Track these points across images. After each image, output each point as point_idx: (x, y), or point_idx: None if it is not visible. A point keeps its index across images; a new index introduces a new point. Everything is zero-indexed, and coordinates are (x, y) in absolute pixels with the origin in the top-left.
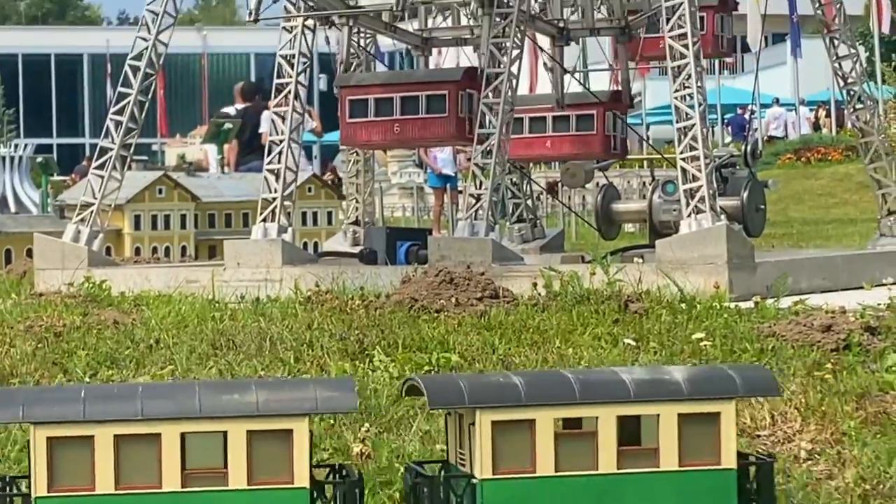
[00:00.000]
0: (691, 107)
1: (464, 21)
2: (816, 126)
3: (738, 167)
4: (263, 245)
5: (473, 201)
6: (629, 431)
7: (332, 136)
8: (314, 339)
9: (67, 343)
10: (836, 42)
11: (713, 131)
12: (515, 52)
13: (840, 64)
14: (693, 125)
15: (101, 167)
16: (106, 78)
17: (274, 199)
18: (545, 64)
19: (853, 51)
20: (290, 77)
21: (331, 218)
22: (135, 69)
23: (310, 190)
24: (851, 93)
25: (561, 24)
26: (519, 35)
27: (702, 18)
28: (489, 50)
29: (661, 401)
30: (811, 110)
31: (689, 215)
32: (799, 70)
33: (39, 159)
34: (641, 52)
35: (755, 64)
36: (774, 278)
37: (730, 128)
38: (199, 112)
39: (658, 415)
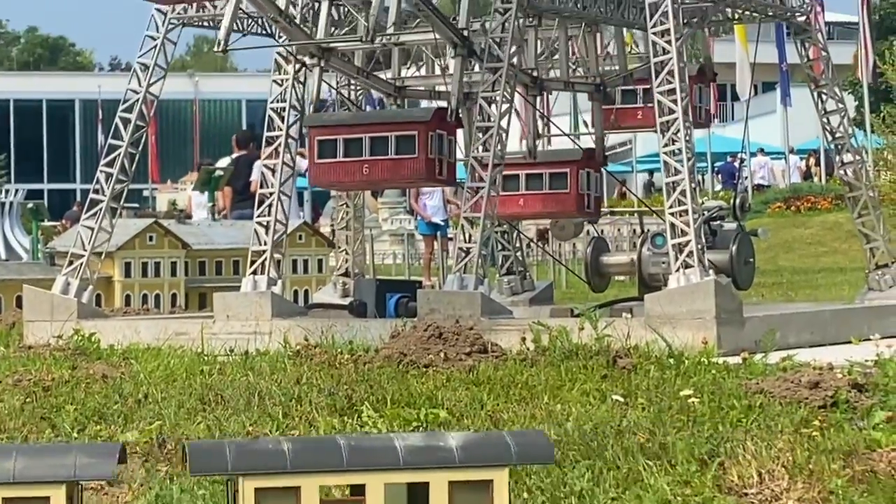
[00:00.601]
0: (679, 161)
1: (437, 70)
2: (807, 174)
3: (726, 220)
4: (253, 298)
5: (463, 254)
6: (400, 499)
7: None
8: (303, 394)
9: (56, 398)
10: (823, 97)
11: (703, 179)
12: (505, 106)
13: (828, 119)
14: (682, 180)
15: (91, 218)
16: (97, 123)
17: (264, 251)
18: (516, 111)
19: (841, 105)
20: (281, 130)
21: (321, 266)
22: (125, 121)
23: (300, 238)
24: (839, 147)
25: (535, 74)
26: (508, 89)
27: None
28: (479, 104)
29: (432, 468)
30: (801, 159)
31: (677, 270)
32: (789, 118)
33: (30, 205)
34: (618, 122)
35: (745, 112)
36: (763, 333)
37: (720, 175)
38: (191, 158)
39: (428, 482)
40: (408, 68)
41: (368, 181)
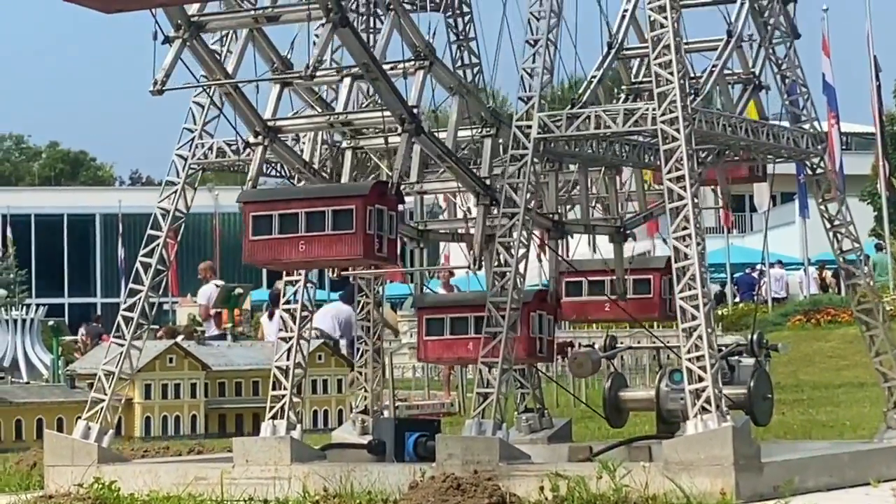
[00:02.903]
0: (696, 306)
1: (459, 214)
2: (824, 286)
3: (744, 355)
4: (272, 443)
5: (481, 399)
6: None
7: None
8: None
9: None
10: (822, 186)
11: (722, 291)
12: (522, 251)
13: (826, 207)
14: (697, 325)
15: (126, 318)
16: (118, 237)
17: (283, 396)
18: (538, 256)
19: (840, 194)
20: (300, 275)
21: (341, 386)
22: (146, 266)
23: (320, 358)
24: (839, 235)
25: (556, 218)
26: (525, 234)
27: (647, 281)
28: (496, 248)
29: None
30: (816, 269)
31: (695, 416)
32: (808, 230)
33: (51, 322)
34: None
35: (764, 225)
36: (782, 479)
37: (738, 287)
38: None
39: None
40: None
41: (305, 259)
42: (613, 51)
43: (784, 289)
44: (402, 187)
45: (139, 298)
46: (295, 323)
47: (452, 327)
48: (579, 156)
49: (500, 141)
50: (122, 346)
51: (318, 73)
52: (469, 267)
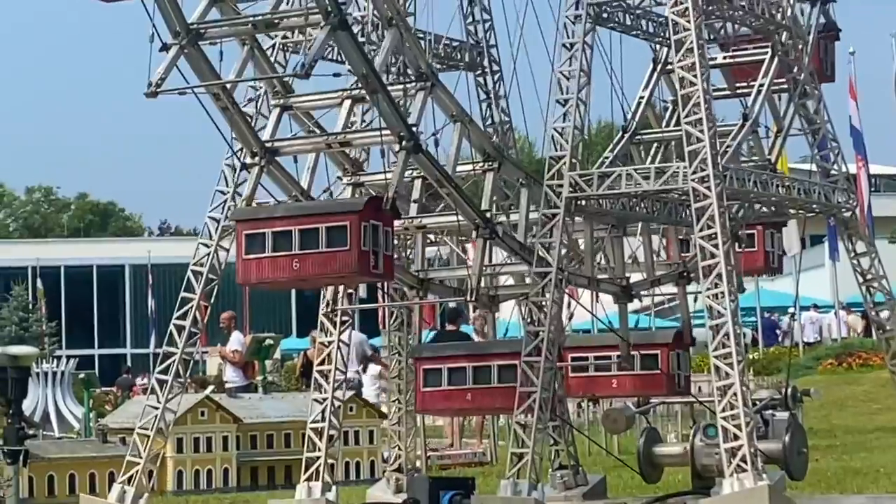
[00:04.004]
0: (730, 364)
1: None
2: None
3: (778, 409)
4: None
5: (516, 459)
6: None
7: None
8: None
9: None
10: (853, 240)
11: (749, 334)
12: (555, 309)
13: (858, 261)
14: (732, 384)
15: (161, 380)
16: (148, 288)
17: (318, 457)
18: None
19: (871, 247)
20: (330, 341)
21: (372, 437)
22: (197, 274)
23: (351, 409)
24: (871, 289)
25: (624, 283)
26: (558, 293)
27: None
28: (528, 307)
29: None
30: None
31: (731, 474)
32: (838, 273)
33: (81, 375)
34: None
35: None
36: None
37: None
38: (240, 321)
39: None
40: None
41: (299, 277)
42: (628, 135)
43: (818, 332)
44: (404, 227)
45: (173, 361)
46: (329, 383)
47: (450, 378)
48: (611, 213)
49: (503, 177)
50: (156, 408)
51: (315, 97)
52: (466, 298)
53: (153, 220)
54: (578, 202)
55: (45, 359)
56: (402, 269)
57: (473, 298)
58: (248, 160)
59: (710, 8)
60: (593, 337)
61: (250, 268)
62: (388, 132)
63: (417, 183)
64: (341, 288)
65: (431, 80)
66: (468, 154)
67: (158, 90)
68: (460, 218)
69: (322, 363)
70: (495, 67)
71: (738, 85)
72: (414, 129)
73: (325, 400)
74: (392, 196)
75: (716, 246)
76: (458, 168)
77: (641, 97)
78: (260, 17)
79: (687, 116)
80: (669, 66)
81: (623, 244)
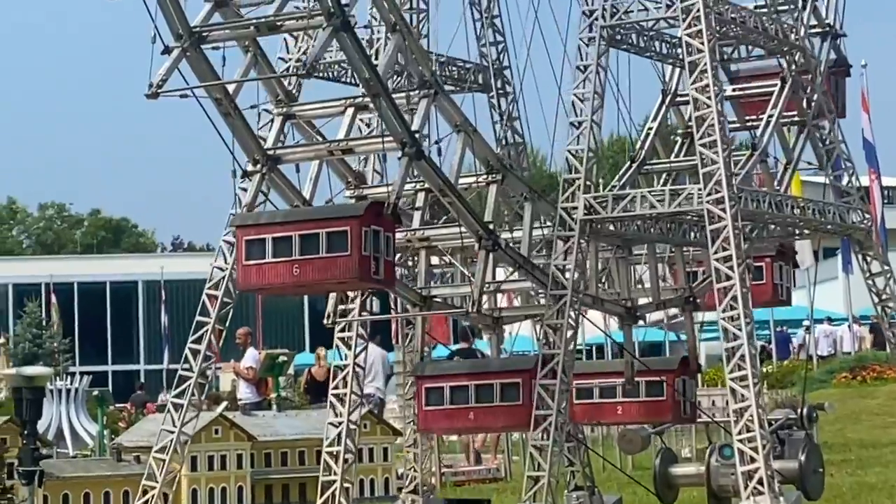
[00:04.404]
0: (746, 386)
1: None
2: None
3: (794, 429)
4: None
5: (532, 482)
6: None
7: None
8: None
9: None
10: (868, 259)
11: (763, 348)
12: (570, 332)
13: (874, 281)
14: (748, 406)
15: (177, 404)
16: (160, 304)
17: (334, 481)
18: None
19: (886, 267)
20: (346, 367)
21: (387, 454)
22: (212, 298)
23: (365, 426)
24: (887, 309)
25: (629, 304)
26: (573, 315)
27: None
28: (543, 329)
29: None
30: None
31: (747, 497)
32: (851, 285)
33: (95, 392)
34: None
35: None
36: None
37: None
38: (254, 337)
39: None
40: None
41: (299, 283)
42: (636, 165)
43: (832, 346)
44: (407, 240)
45: (189, 385)
46: (345, 408)
47: (452, 396)
48: (625, 235)
49: (508, 190)
50: (172, 432)
51: (318, 105)
52: (468, 312)
53: (166, 236)
54: (593, 224)
55: (58, 375)
56: (404, 285)
57: (476, 311)
58: (250, 168)
59: (724, 29)
60: (597, 363)
61: (250, 273)
62: (389, 138)
63: (421, 195)
64: (350, 299)
65: (435, 88)
66: (468, 165)
67: (159, 91)
68: (463, 230)
69: (337, 386)
70: (508, 89)
71: (747, 118)
72: (416, 135)
73: (340, 424)
74: (394, 202)
75: (731, 268)
76: (462, 180)
77: (650, 128)
78: (262, 20)
79: (701, 138)
80: (679, 98)
81: (628, 266)
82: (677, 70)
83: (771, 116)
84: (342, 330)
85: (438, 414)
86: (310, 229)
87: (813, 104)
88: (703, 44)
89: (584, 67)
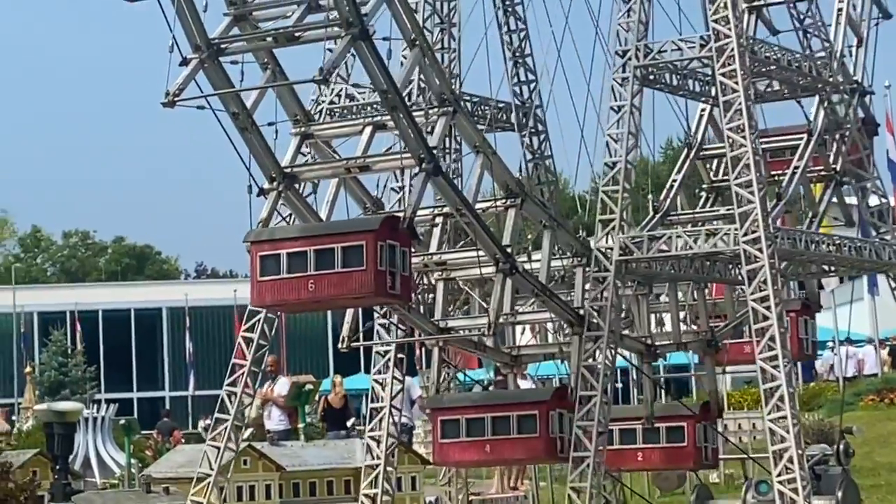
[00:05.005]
0: (785, 427)
1: (551, 338)
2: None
3: (831, 464)
4: None
5: None
6: None
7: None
8: None
9: None
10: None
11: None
12: (608, 374)
13: None
14: (787, 448)
15: (213, 447)
16: (185, 331)
17: None
18: (633, 379)
19: None
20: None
21: (415, 483)
22: (248, 340)
23: (392, 455)
24: None
25: (648, 342)
26: (610, 356)
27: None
28: (579, 372)
29: None
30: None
31: None
32: (877, 307)
33: (122, 421)
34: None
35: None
36: None
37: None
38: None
39: None
40: (521, 334)
41: (314, 299)
42: (659, 215)
43: (856, 367)
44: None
45: (225, 427)
46: (380, 448)
47: (469, 429)
48: (661, 276)
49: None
50: (209, 475)
51: (336, 124)
52: (483, 332)
53: (189, 263)
54: (629, 265)
55: (85, 403)
56: (421, 316)
57: (491, 333)
58: (266, 185)
59: (758, 68)
60: (615, 408)
61: (265, 290)
62: (407, 155)
63: (439, 220)
64: (358, 319)
65: (453, 106)
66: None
67: (176, 99)
68: (480, 253)
69: (373, 428)
70: (541, 128)
71: (773, 172)
72: (434, 151)
73: (377, 466)
74: (409, 216)
75: (768, 308)
76: (479, 205)
77: (675, 180)
78: (281, 31)
79: (737, 178)
80: (704, 151)
81: (649, 303)
82: (703, 121)
83: (797, 168)
84: (378, 372)
85: (455, 446)
86: (325, 244)
87: (841, 158)
88: (737, 83)
89: (617, 108)
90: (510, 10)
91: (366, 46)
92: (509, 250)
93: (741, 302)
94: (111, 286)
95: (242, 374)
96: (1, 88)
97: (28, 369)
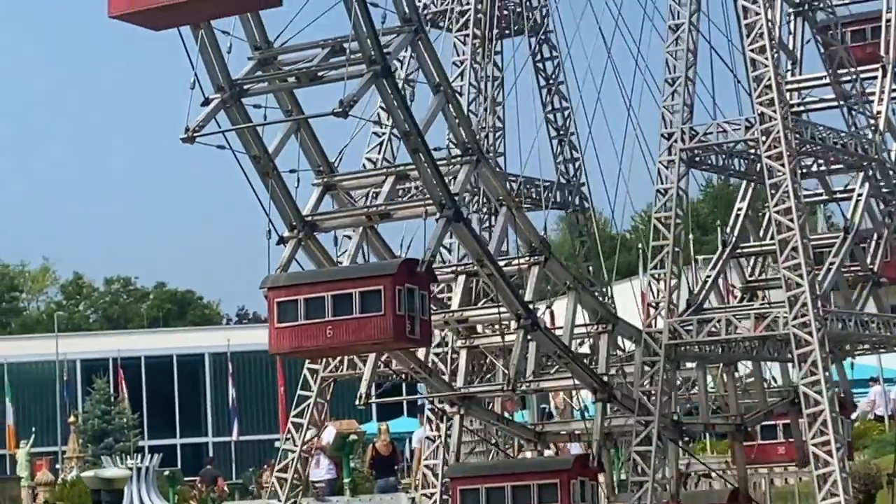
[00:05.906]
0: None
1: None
2: None
3: None
4: None
5: None
6: None
7: None
8: None
9: None
10: None
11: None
12: (658, 460)
13: None
14: (831, 472)
15: (280, 479)
16: (228, 377)
17: None
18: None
19: None
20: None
21: None
22: (313, 371)
23: None
24: None
25: (739, 422)
26: (661, 443)
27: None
28: (631, 458)
29: None
30: None
31: None
32: None
33: (166, 472)
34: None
35: None
36: None
37: None
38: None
39: None
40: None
41: (332, 345)
42: (728, 249)
43: (886, 405)
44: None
45: (292, 459)
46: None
47: (488, 499)
48: (709, 357)
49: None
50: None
51: (359, 175)
52: (504, 389)
53: (231, 307)
54: (678, 349)
55: (128, 452)
56: (442, 381)
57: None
58: (286, 233)
59: (805, 148)
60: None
61: (283, 337)
62: (429, 201)
63: (461, 279)
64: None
65: (477, 156)
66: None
67: (195, 136)
68: (502, 309)
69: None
70: (587, 205)
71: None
72: (455, 198)
73: None
74: (428, 259)
75: (819, 393)
76: (505, 267)
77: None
78: (303, 69)
79: (785, 261)
80: (738, 251)
81: (735, 378)
82: (740, 220)
83: (832, 264)
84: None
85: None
86: (343, 289)
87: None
88: (783, 166)
89: (664, 191)
90: (554, 88)
91: (387, 84)
92: (531, 306)
93: (771, 391)
94: (153, 333)
95: (308, 404)
96: (49, 146)
97: (72, 419)
